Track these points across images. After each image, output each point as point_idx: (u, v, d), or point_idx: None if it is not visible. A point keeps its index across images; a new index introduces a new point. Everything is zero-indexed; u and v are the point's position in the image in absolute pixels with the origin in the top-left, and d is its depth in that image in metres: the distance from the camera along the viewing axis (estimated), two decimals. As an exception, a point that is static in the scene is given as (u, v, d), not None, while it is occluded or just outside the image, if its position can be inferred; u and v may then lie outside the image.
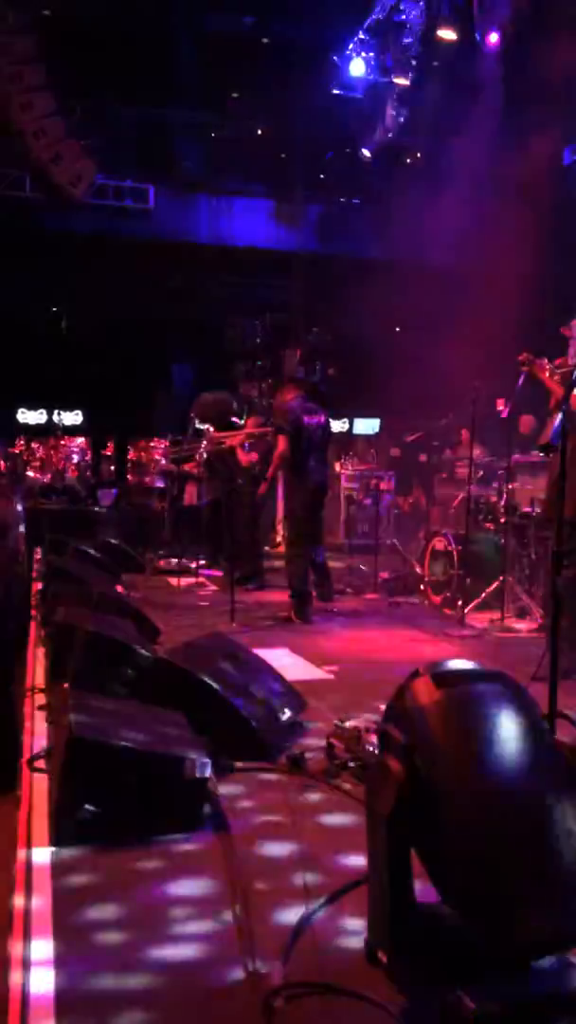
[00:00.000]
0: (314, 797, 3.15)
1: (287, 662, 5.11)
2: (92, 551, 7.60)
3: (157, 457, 16.09)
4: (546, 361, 5.86)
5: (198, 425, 9.29)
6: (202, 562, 9.30)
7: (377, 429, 15.88)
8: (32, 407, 19.18)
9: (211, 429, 9.01)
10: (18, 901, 2.37)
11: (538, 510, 6.66)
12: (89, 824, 2.71)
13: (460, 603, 6.63)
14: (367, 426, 16.87)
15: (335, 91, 12.56)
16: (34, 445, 19.60)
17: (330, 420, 7.26)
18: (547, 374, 5.75)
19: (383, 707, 2.17)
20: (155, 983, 2.03)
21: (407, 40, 11.35)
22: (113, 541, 9.42)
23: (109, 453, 20.18)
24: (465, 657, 5.21)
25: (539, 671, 3.51)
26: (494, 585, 6.81)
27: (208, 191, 14.25)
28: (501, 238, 12.48)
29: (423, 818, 1.87)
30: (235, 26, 13.15)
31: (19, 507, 9.63)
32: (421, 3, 11.01)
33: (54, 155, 10.63)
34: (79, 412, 19.46)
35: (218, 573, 9.14)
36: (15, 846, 2.70)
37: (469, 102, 11.79)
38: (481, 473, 7.90)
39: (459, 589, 6.84)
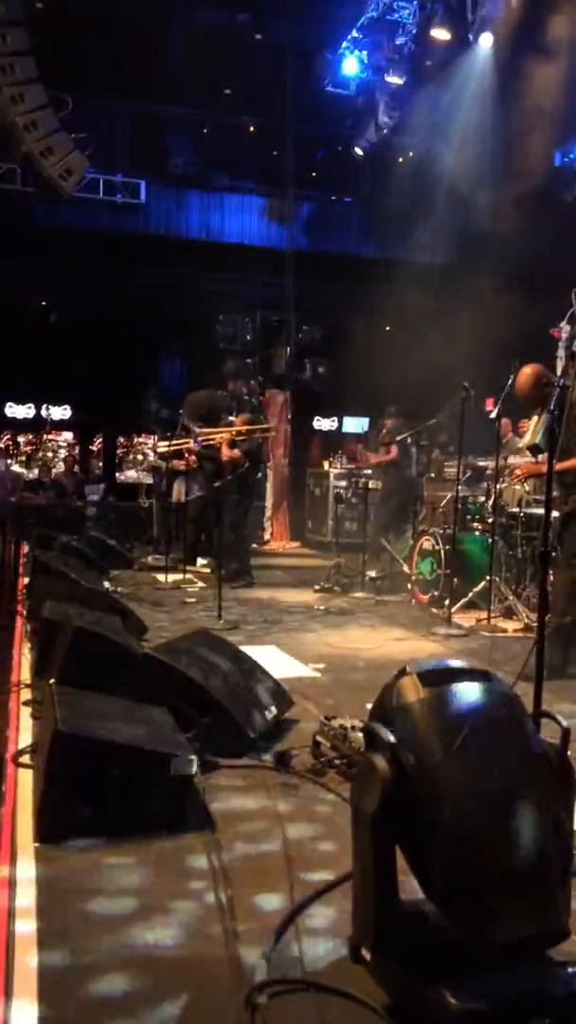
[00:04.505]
0: (300, 794, 3.15)
1: (274, 659, 5.11)
2: (79, 546, 7.57)
3: (147, 452, 16.07)
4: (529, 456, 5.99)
5: (186, 422, 9.29)
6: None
7: (366, 428, 15.92)
8: (19, 401, 19.09)
9: (196, 426, 9.01)
10: (2, 897, 2.37)
11: (528, 511, 6.69)
12: (74, 820, 2.70)
13: (447, 602, 6.65)
14: (356, 424, 16.91)
15: (328, 89, 12.57)
16: (20, 439, 19.52)
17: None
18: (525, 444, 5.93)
19: (369, 705, 2.17)
20: (138, 978, 2.03)
21: (401, 39, 11.36)
22: (100, 536, 9.40)
23: (97, 448, 20.12)
24: (451, 656, 5.24)
25: (525, 670, 3.53)
26: (481, 584, 6.84)
27: (199, 187, 14.21)
28: (492, 238, 12.53)
29: (408, 816, 1.88)
30: (228, 22, 13.14)
31: None
32: (415, 3, 11.03)
33: (45, 148, 10.58)
34: (67, 407, 19.38)
35: (202, 570, 9.15)
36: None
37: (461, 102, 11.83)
38: (469, 473, 7.93)
39: (446, 588, 6.86)
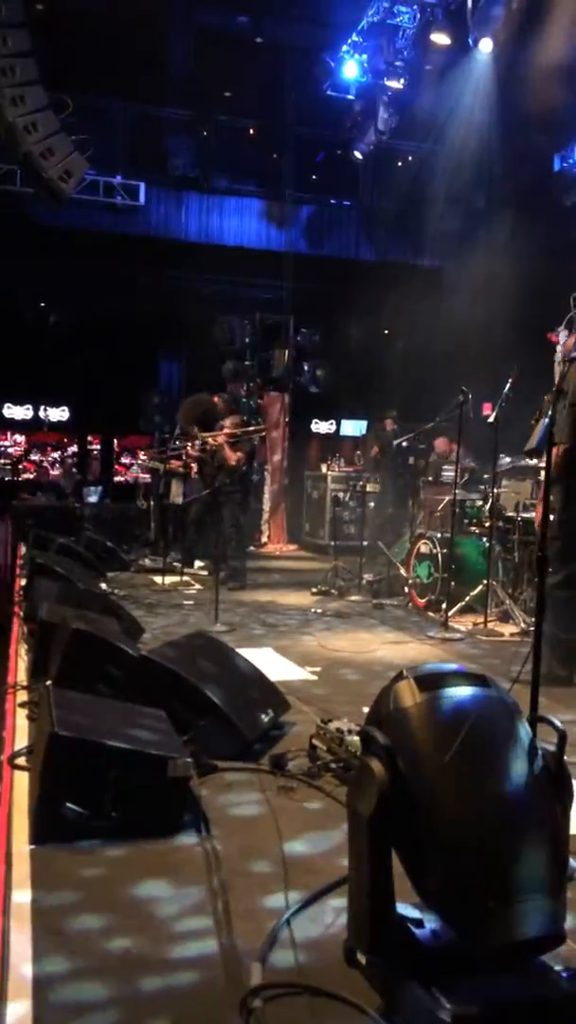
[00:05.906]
0: (296, 798, 3.15)
1: (271, 662, 5.12)
2: (76, 548, 7.57)
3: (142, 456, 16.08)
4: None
5: (184, 426, 9.33)
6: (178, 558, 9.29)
7: (364, 431, 15.94)
8: (18, 402, 19.10)
9: (193, 430, 9.04)
10: (-3, 899, 2.37)
11: (525, 515, 6.70)
12: (70, 822, 2.70)
13: (444, 606, 6.65)
14: (354, 427, 16.92)
15: (328, 92, 12.58)
16: (18, 440, 19.54)
17: None
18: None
19: (366, 709, 2.18)
20: (132, 982, 2.02)
21: (401, 43, 11.37)
22: (97, 538, 9.41)
23: (95, 448, 20.13)
24: (448, 660, 5.24)
25: (521, 674, 3.53)
26: (478, 588, 6.84)
27: (199, 189, 14.22)
28: (490, 242, 12.55)
29: (404, 820, 1.88)
30: (229, 24, 13.16)
31: None
32: (415, 7, 11.05)
33: (45, 150, 10.56)
34: (65, 408, 19.38)
35: (199, 572, 9.14)
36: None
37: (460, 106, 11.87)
38: (467, 476, 7.93)
39: (443, 592, 6.86)
